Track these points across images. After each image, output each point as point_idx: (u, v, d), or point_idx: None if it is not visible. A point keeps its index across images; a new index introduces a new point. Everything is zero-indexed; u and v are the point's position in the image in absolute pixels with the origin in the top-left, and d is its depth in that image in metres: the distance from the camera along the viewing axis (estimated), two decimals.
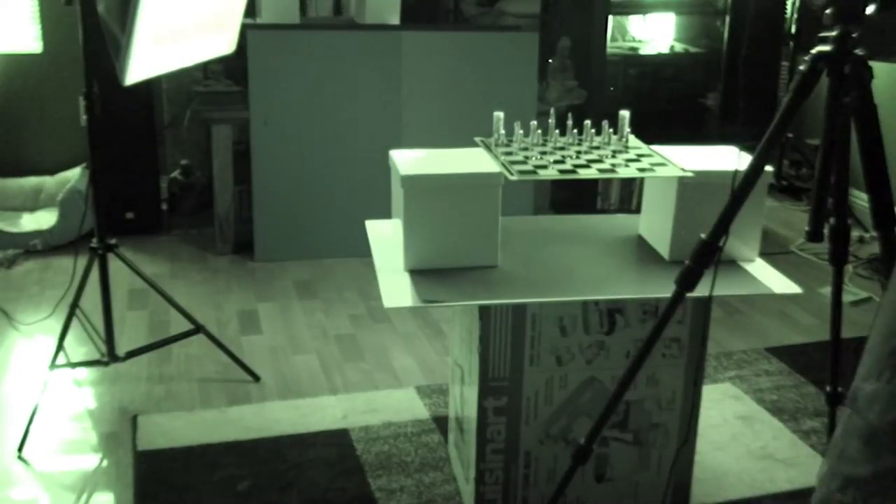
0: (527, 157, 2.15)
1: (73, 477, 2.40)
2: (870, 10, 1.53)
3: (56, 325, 3.35)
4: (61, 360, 2.73)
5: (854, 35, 1.55)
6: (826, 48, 1.57)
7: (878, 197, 1.62)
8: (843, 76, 1.55)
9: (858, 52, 1.56)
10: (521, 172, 2.06)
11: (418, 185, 2.05)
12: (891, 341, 1.09)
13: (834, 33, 1.56)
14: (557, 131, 2.26)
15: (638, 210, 2.41)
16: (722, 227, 1.62)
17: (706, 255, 1.63)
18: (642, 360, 1.75)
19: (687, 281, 1.66)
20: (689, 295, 2.00)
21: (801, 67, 1.59)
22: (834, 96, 1.58)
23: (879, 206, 1.63)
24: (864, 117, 1.58)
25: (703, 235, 1.63)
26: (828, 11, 1.55)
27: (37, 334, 3.29)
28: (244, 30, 3.42)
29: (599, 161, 2.15)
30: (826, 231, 1.69)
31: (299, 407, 2.81)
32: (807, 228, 1.67)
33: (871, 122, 1.57)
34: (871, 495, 1.11)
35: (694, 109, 4.99)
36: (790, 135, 4.81)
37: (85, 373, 2.98)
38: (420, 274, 2.07)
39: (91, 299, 3.53)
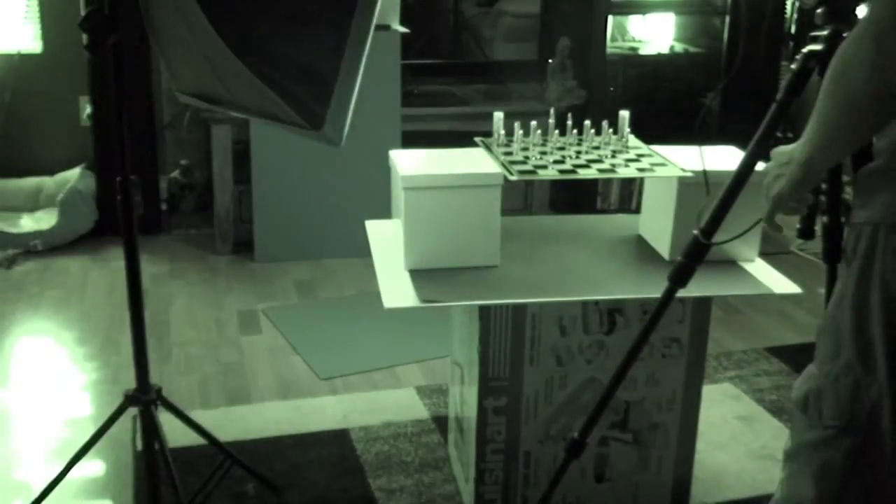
0: (527, 157, 2.15)
1: (72, 477, 2.40)
2: (861, 10, 1.54)
3: (57, 325, 3.35)
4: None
5: (845, 35, 1.56)
6: (817, 47, 1.58)
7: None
8: None
9: None
10: (521, 172, 2.06)
11: (418, 185, 2.05)
12: (821, 327, 1.33)
13: (825, 32, 1.58)
14: (557, 131, 2.26)
15: (638, 210, 2.41)
16: (715, 224, 1.61)
17: (699, 252, 1.63)
18: (635, 354, 1.75)
19: (679, 277, 1.66)
20: (686, 294, 2.01)
21: (793, 66, 1.61)
22: None
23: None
24: None
25: (695, 231, 1.63)
26: (819, 11, 1.56)
27: (38, 335, 3.29)
28: None
29: (599, 161, 2.16)
30: (819, 228, 1.70)
31: (299, 407, 2.81)
32: (798, 226, 1.69)
33: None
34: (791, 471, 1.38)
35: (694, 109, 4.99)
36: (790, 135, 4.80)
37: (85, 373, 2.98)
38: (420, 274, 2.07)
39: (92, 299, 3.55)
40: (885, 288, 1.21)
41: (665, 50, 5.02)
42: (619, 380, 1.79)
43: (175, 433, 2.30)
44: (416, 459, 2.54)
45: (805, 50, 1.59)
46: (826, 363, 1.30)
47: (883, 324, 1.21)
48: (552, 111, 2.40)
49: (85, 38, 1.86)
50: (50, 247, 3.98)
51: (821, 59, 1.57)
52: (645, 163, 2.14)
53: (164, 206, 4.41)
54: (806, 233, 1.71)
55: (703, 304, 2.15)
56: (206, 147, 4.32)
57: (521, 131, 2.23)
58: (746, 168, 1.62)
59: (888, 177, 1.23)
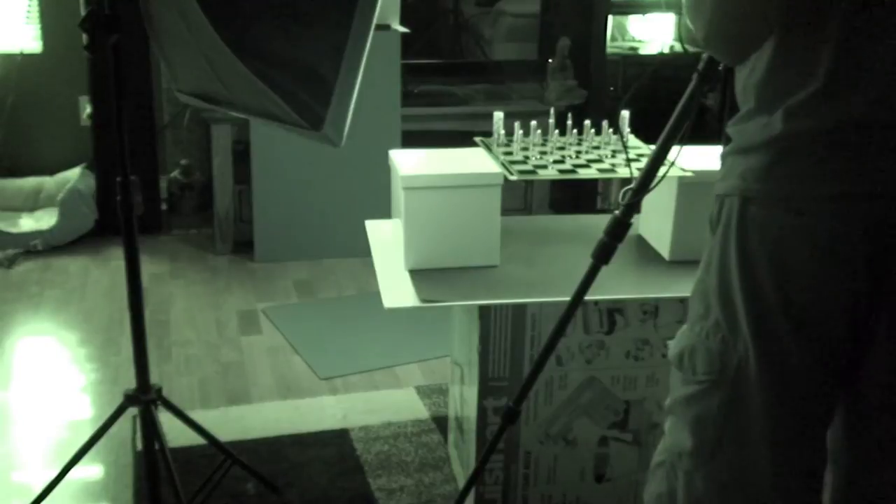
0: (526, 157, 2.15)
1: (72, 477, 2.40)
2: None
3: (57, 325, 3.35)
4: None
5: None
6: None
7: None
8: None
9: None
10: (521, 172, 2.06)
11: (418, 185, 2.05)
12: (693, 290, 1.45)
13: None
14: (557, 131, 2.26)
15: (638, 210, 2.41)
16: (633, 206, 1.69)
17: (619, 232, 1.70)
18: (562, 329, 1.80)
19: (602, 254, 1.73)
20: (686, 295, 2.04)
21: (704, 55, 1.65)
22: (733, 83, 1.64)
23: None
24: None
25: (616, 213, 1.69)
26: None
27: (38, 335, 3.29)
28: None
29: (599, 161, 2.16)
30: None
31: (299, 407, 2.81)
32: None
33: None
34: (670, 424, 1.49)
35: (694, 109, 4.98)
36: None
37: (85, 373, 2.98)
38: (420, 274, 2.07)
39: (92, 299, 3.55)
40: (742, 254, 1.32)
41: (665, 50, 5.02)
42: (548, 351, 1.83)
43: (175, 433, 2.30)
44: (416, 459, 2.54)
45: None
46: (697, 323, 1.42)
47: (742, 288, 1.33)
48: (552, 111, 2.40)
49: (85, 38, 1.86)
50: (50, 247, 3.98)
51: None
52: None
53: (164, 206, 4.41)
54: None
55: None
56: (206, 147, 4.32)
57: (521, 131, 2.23)
58: (661, 153, 1.67)
59: (737, 156, 1.35)
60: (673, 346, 1.48)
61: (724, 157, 1.41)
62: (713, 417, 1.40)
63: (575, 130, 2.28)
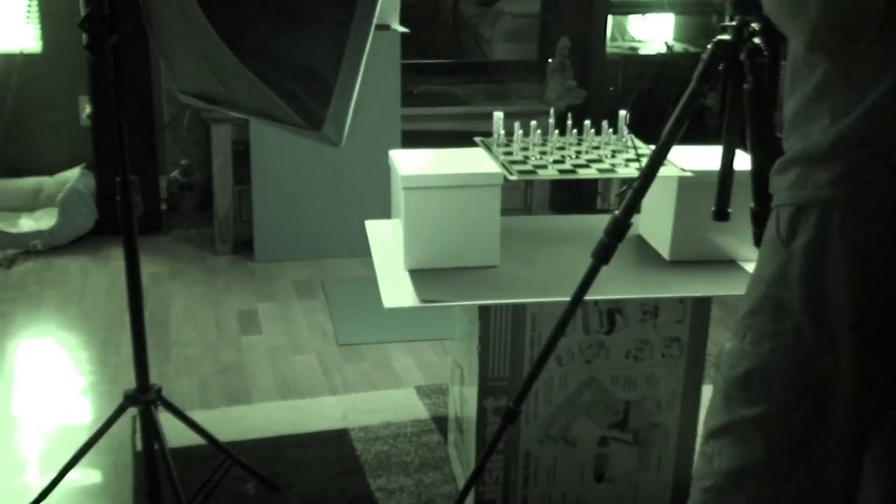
0: (526, 157, 2.15)
1: (72, 477, 2.40)
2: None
3: (57, 325, 3.35)
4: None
5: (753, 25, 1.60)
6: (726, 37, 1.63)
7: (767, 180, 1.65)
8: (739, 63, 1.61)
9: (755, 41, 1.61)
10: (521, 172, 2.06)
11: (418, 185, 2.05)
12: (745, 305, 1.36)
13: (733, 23, 1.62)
14: (557, 131, 2.26)
15: (638, 210, 2.41)
16: (633, 205, 1.69)
17: (619, 232, 1.71)
18: (562, 328, 1.82)
19: (602, 254, 1.74)
20: (686, 294, 2.05)
21: (704, 55, 1.65)
22: (733, 83, 1.64)
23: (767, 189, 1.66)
24: (757, 103, 1.62)
25: (616, 212, 1.69)
26: (728, 2, 1.61)
27: (37, 335, 3.29)
28: None
29: (599, 161, 2.16)
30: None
31: (299, 407, 2.81)
32: (712, 209, 1.75)
33: (765, 107, 1.62)
34: (726, 445, 1.37)
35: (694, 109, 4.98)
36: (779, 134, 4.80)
37: (85, 373, 2.98)
38: (420, 274, 2.07)
39: (92, 299, 3.55)
40: (849, 266, 1.21)
41: (664, 50, 5.02)
42: (548, 351, 1.84)
43: (175, 433, 2.30)
44: (416, 459, 2.54)
45: (715, 39, 1.64)
46: (766, 341, 1.31)
47: (848, 299, 1.22)
48: (552, 111, 2.40)
49: (85, 38, 1.86)
50: (50, 247, 3.98)
51: (730, 49, 1.61)
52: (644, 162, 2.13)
53: (164, 206, 4.41)
54: (719, 216, 1.76)
55: (703, 304, 2.15)
56: (206, 147, 4.32)
57: (520, 131, 2.23)
58: (660, 154, 1.67)
59: (806, 163, 1.24)
60: (732, 366, 1.36)
61: (788, 164, 1.31)
62: (790, 438, 1.31)
63: (575, 130, 2.28)
